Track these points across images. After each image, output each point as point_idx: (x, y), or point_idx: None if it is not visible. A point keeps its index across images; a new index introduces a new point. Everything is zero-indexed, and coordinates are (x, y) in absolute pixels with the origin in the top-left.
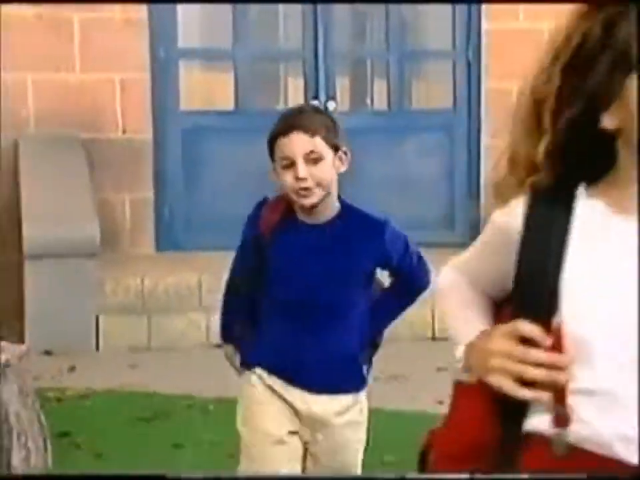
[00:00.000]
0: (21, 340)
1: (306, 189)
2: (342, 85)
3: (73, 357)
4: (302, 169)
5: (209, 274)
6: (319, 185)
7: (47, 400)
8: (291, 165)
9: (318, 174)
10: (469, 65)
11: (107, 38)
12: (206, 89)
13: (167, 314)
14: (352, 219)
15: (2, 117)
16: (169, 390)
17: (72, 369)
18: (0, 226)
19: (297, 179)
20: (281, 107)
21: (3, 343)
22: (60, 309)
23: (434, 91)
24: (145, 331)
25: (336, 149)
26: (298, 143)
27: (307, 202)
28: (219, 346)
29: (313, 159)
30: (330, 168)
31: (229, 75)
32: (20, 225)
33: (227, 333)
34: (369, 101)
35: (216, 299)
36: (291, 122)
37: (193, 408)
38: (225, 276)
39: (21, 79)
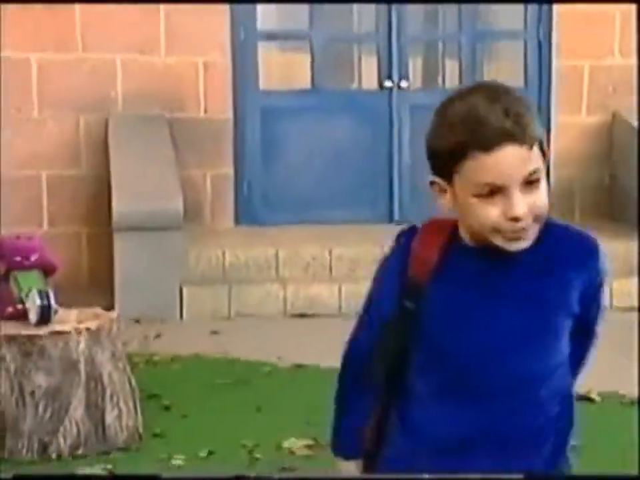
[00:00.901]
0: (112, 308)
1: (522, 229)
2: (414, 65)
3: (159, 324)
4: (519, 203)
5: (285, 247)
6: (536, 219)
7: (135, 364)
8: (494, 193)
9: (537, 203)
10: (539, 44)
11: (191, 22)
12: (283, 70)
13: (246, 284)
14: (553, 242)
15: (93, 98)
16: (250, 357)
17: (158, 335)
18: (92, 200)
19: (511, 218)
20: (355, 86)
21: (97, 310)
22: (146, 279)
23: (505, 70)
24: (225, 300)
25: (544, 153)
26: (513, 163)
27: (519, 246)
28: (300, 315)
29: (530, 183)
30: (546, 189)
31: (305, 56)
32: (110, 199)
33: (349, 444)
34: (440, 80)
35: (291, 270)
36: (497, 125)
37: (272, 374)
38: (302, 249)
39: (111, 60)
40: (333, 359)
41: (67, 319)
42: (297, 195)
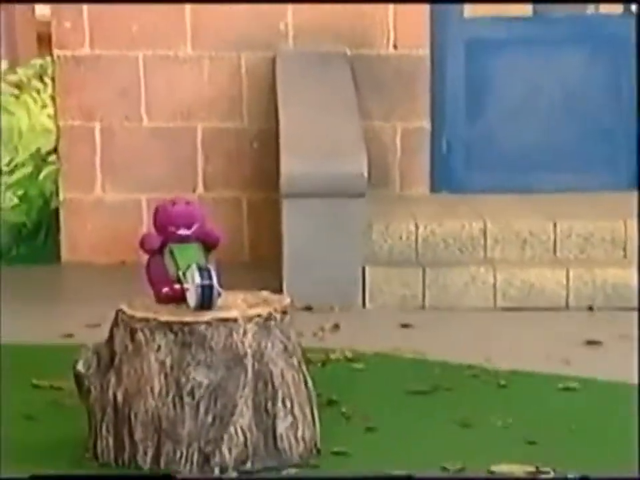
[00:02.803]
0: (279, 291)
1: None
2: None
3: (336, 313)
4: None
5: (495, 220)
6: None
7: (308, 362)
8: None
9: None
10: None
11: None
12: None
13: (444, 267)
14: None
15: (257, 32)
16: (449, 358)
17: (335, 327)
18: (255, 159)
19: None
20: (590, 11)
21: (265, 293)
22: (321, 257)
23: None
24: (418, 286)
25: None
26: None
27: None
28: (514, 308)
29: None
30: None
31: None
32: (277, 158)
33: None
34: None
35: (503, 250)
36: None
37: (480, 381)
38: (517, 223)
39: None
40: (555, 363)
41: (232, 303)
42: (511, 153)
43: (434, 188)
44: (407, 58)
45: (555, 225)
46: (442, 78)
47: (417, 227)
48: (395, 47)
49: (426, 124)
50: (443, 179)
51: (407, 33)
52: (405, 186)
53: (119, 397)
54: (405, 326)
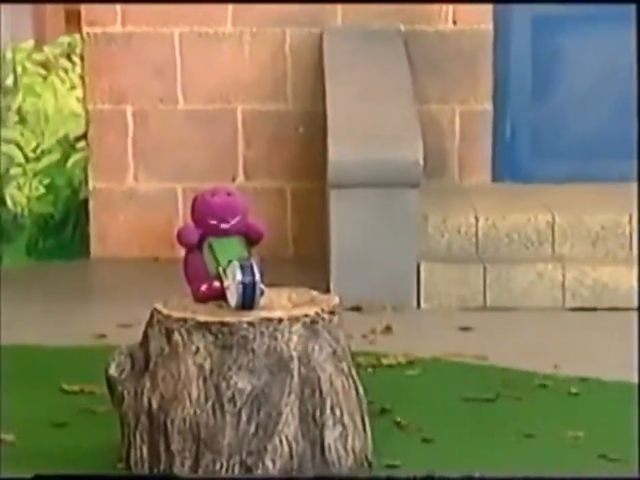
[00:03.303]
0: (326, 289)
1: None
2: None
3: (389, 314)
4: None
5: (564, 212)
6: None
7: (358, 367)
8: None
9: None
10: None
11: None
12: None
13: (508, 264)
14: None
15: (303, 6)
16: (514, 363)
17: (387, 329)
18: (300, 145)
19: None
20: None
21: (312, 292)
22: (372, 253)
23: None
24: (479, 284)
25: None
26: None
27: None
28: (585, 309)
29: None
30: None
31: None
32: (324, 144)
33: None
34: None
35: (573, 245)
36: None
37: (548, 389)
38: (588, 216)
39: None
40: (630, 370)
41: (276, 302)
42: (581, 139)
43: (496, 177)
44: (467, 34)
45: (630, 219)
46: (506, 56)
47: (477, 220)
48: (454, 22)
49: (488, 107)
50: (507, 167)
51: (467, 7)
52: (465, 175)
53: (154, 404)
54: (464, 329)
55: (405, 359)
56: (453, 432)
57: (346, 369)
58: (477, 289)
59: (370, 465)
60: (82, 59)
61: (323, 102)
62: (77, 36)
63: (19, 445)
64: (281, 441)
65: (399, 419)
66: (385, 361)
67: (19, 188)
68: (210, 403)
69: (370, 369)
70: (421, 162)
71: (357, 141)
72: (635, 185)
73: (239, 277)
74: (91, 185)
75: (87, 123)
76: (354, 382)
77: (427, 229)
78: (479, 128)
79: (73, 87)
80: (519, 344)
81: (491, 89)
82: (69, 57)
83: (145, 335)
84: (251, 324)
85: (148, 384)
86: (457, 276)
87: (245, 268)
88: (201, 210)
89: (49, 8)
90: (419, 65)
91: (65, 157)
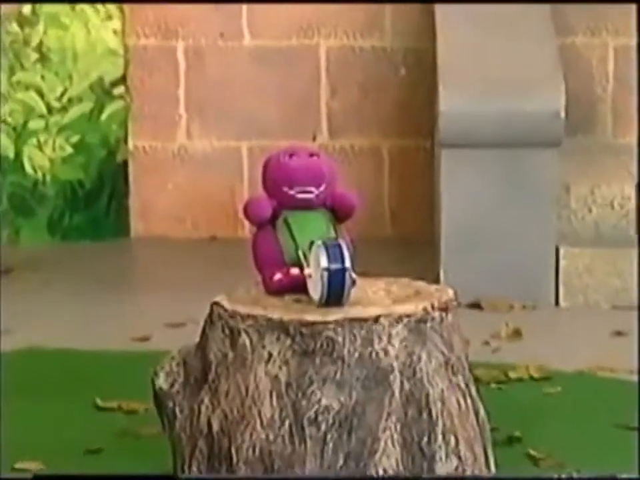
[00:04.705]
0: (435, 279)
1: None
2: None
3: (518, 313)
4: None
5: None
6: None
7: (478, 382)
8: None
9: None
10: None
11: None
12: None
13: None
14: None
15: None
16: None
17: (516, 333)
18: (401, 91)
19: None
20: None
21: (417, 283)
22: (495, 233)
23: None
24: (637, 275)
25: None
26: None
27: None
28: None
29: None
30: None
31: None
32: (432, 90)
33: None
34: None
35: None
36: None
37: None
38: None
39: None
40: None
41: (372, 296)
42: None
43: None
44: None
45: None
46: None
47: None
48: None
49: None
50: None
51: None
52: (619, 131)
53: (215, 425)
54: (617, 333)
55: (539, 372)
56: (601, 465)
57: (462, 385)
58: (635, 281)
59: None
60: None
61: (432, 37)
62: None
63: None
64: (377, 475)
65: (531, 451)
66: (513, 375)
67: (40, 147)
68: (286, 425)
69: (494, 385)
70: (562, 114)
71: (475, 88)
72: None
73: (324, 262)
74: (130, 143)
75: (127, 64)
76: (473, 401)
77: (568, 202)
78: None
79: (108, 17)
80: None
81: None
82: None
83: (203, 337)
84: (339, 324)
85: (207, 400)
86: (608, 264)
87: (332, 251)
88: (274, 176)
89: None
90: None
91: (99, 108)
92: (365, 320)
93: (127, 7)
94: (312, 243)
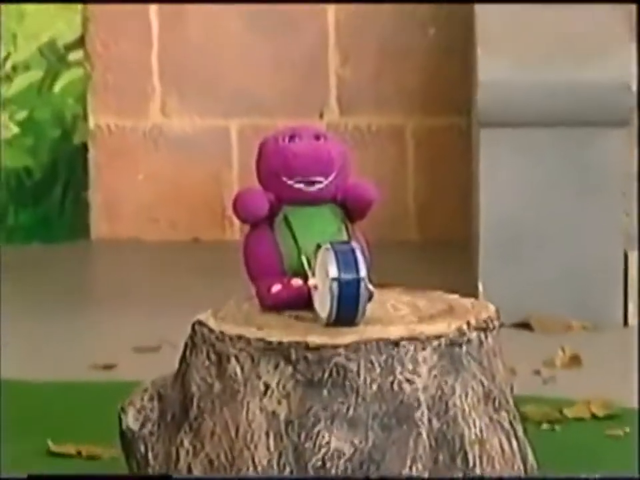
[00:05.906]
0: (472, 292)
1: None
2: None
3: (577, 335)
4: None
5: None
6: None
7: (526, 420)
8: None
9: None
10: None
11: None
12: None
13: None
14: None
15: None
16: None
17: (574, 360)
18: (430, 64)
19: None
20: None
21: (449, 296)
22: (547, 233)
23: None
24: None
25: None
26: None
27: None
28: None
29: None
30: None
31: None
32: (470, 57)
33: None
34: None
35: None
36: None
37: None
38: None
39: None
40: None
41: (392, 312)
42: None
43: None
44: None
45: None
46: None
47: None
48: None
49: None
50: None
51: None
52: None
53: (198, 473)
54: None
55: (602, 409)
56: None
57: (506, 424)
58: None
59: None
60: None
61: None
62: None
63: None
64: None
65: None
66: (569, 413)
67: None
68: (287, 472)
69: (546, 425)
70: (634, 87)
71: (523, 52)
72: None
73: (333, 271)
74: (91, 121)
75: (85, 22)
76: (519, 444)
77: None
78: None
79: None
80: None
81: None
82: None
83: (183, 364)
84: (352, 348)
85: (187, 442)
86: None
87: (343, 257)
88: (272, 163)
89: None
90: None
91: (51, 77)
92: (385, 342)
93: None
94: (318, 247)
